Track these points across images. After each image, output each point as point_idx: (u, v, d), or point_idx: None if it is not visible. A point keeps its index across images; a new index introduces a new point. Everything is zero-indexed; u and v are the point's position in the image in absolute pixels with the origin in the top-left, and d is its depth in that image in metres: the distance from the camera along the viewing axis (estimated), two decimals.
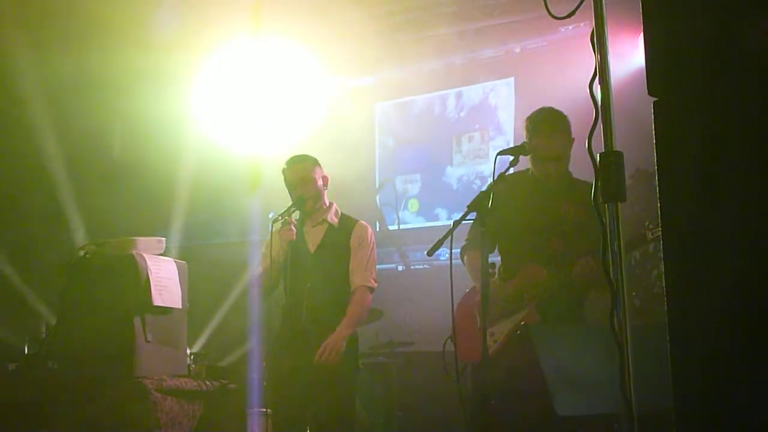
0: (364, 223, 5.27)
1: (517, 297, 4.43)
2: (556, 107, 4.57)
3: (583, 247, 4.29)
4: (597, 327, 3.93)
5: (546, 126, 4.43)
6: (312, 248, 5.14)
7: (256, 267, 5.40)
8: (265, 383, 5.42)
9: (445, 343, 4.04)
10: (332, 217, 5.20)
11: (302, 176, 5.12)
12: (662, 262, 2.02)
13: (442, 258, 6.00)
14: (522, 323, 4.38)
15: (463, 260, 4.79)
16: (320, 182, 5.16)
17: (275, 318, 5.19)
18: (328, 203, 5.23)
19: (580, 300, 4.46)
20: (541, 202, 4.51)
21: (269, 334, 5.20)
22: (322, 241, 5.14)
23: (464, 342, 4.22)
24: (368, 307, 5.15)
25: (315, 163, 5.20)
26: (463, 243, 4.78)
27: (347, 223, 5.22)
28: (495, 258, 4.71)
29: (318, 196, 5.15)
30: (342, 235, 5.16)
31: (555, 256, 4.40)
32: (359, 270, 5.10)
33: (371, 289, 5.12)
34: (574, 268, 4.29)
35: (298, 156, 5.23)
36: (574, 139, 4.49)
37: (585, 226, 4.32)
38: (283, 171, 5.19)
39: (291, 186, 5.15)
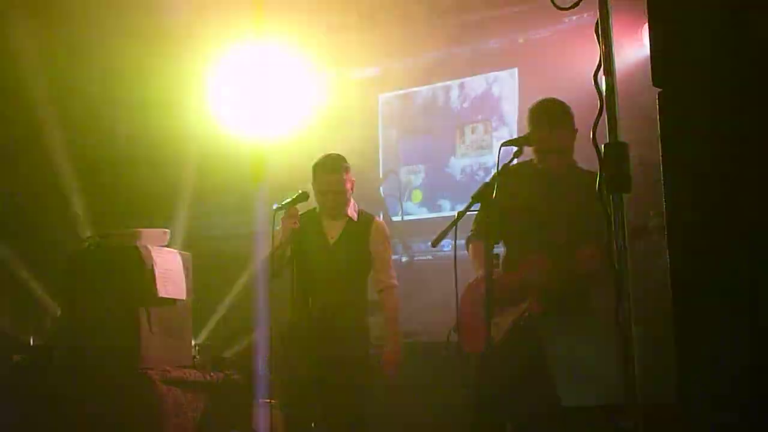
0: (380, 220, 5.40)
1: (521, 287, 4.43)
2: (560, 98, 4.57)
3: (587, 237, 4.29)
4: (602, 318, 3.94)
5: (548, 118, 4.43)
6: (331, 240, 5.17)
7: (262, 256, 5.41)
8: (271, 374, 5.43)
9: (449, 334, 4.05)
10: (352, 212, 5.23)
11: (337, 189, 5.10)
12: (667, 253, 2.02)
13: (446, 249, 6.01)
14: (525, 313, 4.38)
15: (467, 250, 4.80)
16: (349, 189, 5.17)
17: (280, 309, 5.19)
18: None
19: (584, 290, 4.46)
20: (545, 192, 4.51)
21: (274, 326, 5.20)
22: (342, 234, 5.17)
23: (469, 332, 4.23)
24: (399, 306, 5.28)
25: (347, 169, 5.16)
26: (468, 233, 4.79)
27: (366, 219, 5.28)
28: (500, 249, 4.71)
29: (346, 203, 5.19)
30: (361, 230, 5.21)
31: (559, 247, 4.40)
32: (384, 270, 5.23)
33: (396, 287, 5.25)
34: (577, 255, 4.29)
35: (332, 162, 5.16)
36: (577, 130, 4.48)
37: (589, 216, 4.32)
38: (316, 174, 5.16)
39: (323, 193, 5.13)
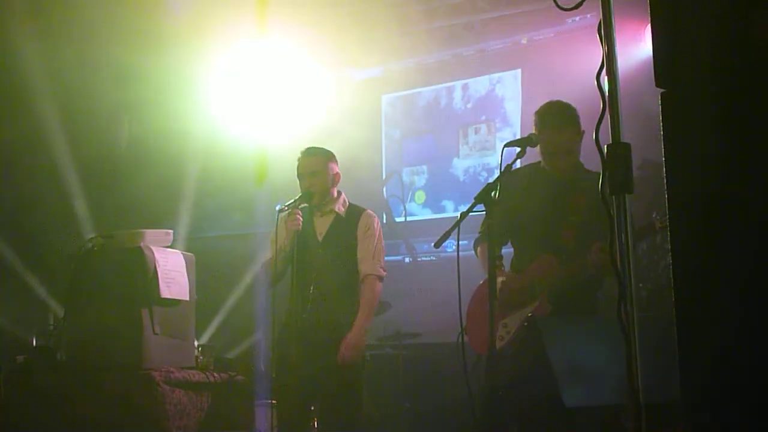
0: (370, 212, 5.27)
1: (529, 289, 4.43)
2: (563, 98, 4.57)
3: (594, 238, 4.28)
4: (605, 317, 3.93)
5: (555, 120, 4.43)
6: (320, 237, 5.15)
7: (264, 257, 5.40)
8: (272, 373, 5.42)
9: (458, 336, 4.05)
10: (340, 207, 5.20)
11: (313, 170, 5.12)
12: (669, 254, 2.02)
13: (449, 250, 6.02)
14: (529, 314, 4.38)
15: (475, 252, 4.80)
16: (330, 177, 5.16)
17: (282, 309, 5.19)
18: (336, 194, 5.23)
19: (592, 290, 4.46)
20: (553, 194, 4.51)
21: (276, 325, 5.20)
22: (329, 230, 5.15)
23: (479, 334, 4.22)
24: (379, 296, 5.15)
25: (328, 157, 5.19)
26: (476, 235, 4.79)
27: (354, 212, 5.22)
28: (509, 250, 4.72)
29: (325, 190, 5.15)
30: (349, 224, 5.16)
31: (566, 248, 4.40)
32: (367, 258, 5.10)
33: (380, 278, 5.12)
34: (589, 252, 4.28)
35: (313, 148, 5.22)
36: (584, 132, 4.49)
37: (596, 217, 4.32)
38: (298, 160, 5.20)
39: (301, 177, 5.16)
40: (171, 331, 5.29)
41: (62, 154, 7.85)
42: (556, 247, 4.44)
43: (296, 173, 5.20)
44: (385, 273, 5.14)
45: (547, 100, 4.58)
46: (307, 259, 5.07)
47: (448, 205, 8.26)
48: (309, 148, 5.20)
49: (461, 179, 8.20)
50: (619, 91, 2.33)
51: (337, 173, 5.20)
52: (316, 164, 5.13)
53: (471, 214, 3.93)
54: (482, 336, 4.18)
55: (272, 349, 5.20)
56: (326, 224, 5.17)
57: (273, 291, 5.25)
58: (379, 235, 5.20)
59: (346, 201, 5.26)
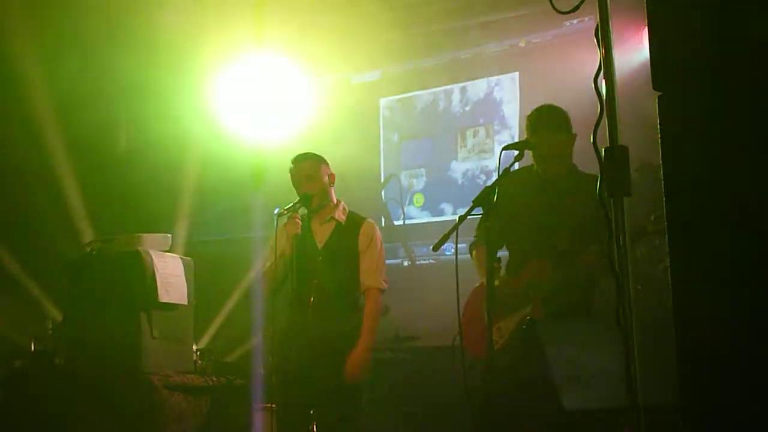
0: (371, 221, 5.28)
1: (523, 293, 4.43)
2: (561, 102, 4.58)
3: (588, 241, 4.28)
4: (603, 320, 3.93)
5: (546, 124, 4.45)
6: (320, 245, 5.15)
7: (262, 263, 5.39)
8: (272, 379, 5.41)
9: (454, 339, 4.05)
10: (340, 215, 5.21)
11: (307, 174, 5.12)
12: (668, 256, 2.02)
13: (447, 253, 6.01)
14: (527, 318, 4.38)
15: (471, 255, 4.80)
16: (326, 179, 5.16)
17: (281, 313, 5.18)
18: (335, 201, 5.23)
19: (586, 294, 4.46)
20: (546, 198, 4.52)
21: (275, 330, 5.19)
22: (329, 238, 5.15)
23: (474, 337, 4.22)
24: (381, 310, 5.16)
25: (320, 160, 5.20)
26: (472, 239, 4.79)
27: (355, 221, 5.22)
28: (504, 253, 4.71)
29: (324, 193, 5.16)
30: (350, 233, 5.16)
31: (560, 252, 4.40)
32: (370, 271, 5.11)
33: (382, 291, 5.12)
34: (580, 258, 4.28)
35: (303, 154, 5.23)
36: (575, 135, 4.50)
37: (590, 220, 4.32)
38: (290, 169, 5.20)
39: (297, 184, 5.16)
40: (169, 335, 5.29)
41: (61, 158, 7.84)
42: (549, 250, 4.44)
43: (291, 182, 5.20)
44: (386, 285, 5.15)
45: (539, 104, 4.60)
46: (307, 267, 5.06)
47: (447, 208, 8.25)
48: (299, 155, 5.22)
49: (460, 182, 8.19)
50: (616, 94, 2.33)
51: (332, 174, 5.21)
52: (310, 168, 5.14)
53: (469, 217, 3.93)
54: (477, 340, 4.18)
55: (272, 354, 5.19)
56: (327, 232, 5.17)
57: (272, 297, 5.25)
58: (381, 246, 5.21)
59: (346, 209, 5.26)
